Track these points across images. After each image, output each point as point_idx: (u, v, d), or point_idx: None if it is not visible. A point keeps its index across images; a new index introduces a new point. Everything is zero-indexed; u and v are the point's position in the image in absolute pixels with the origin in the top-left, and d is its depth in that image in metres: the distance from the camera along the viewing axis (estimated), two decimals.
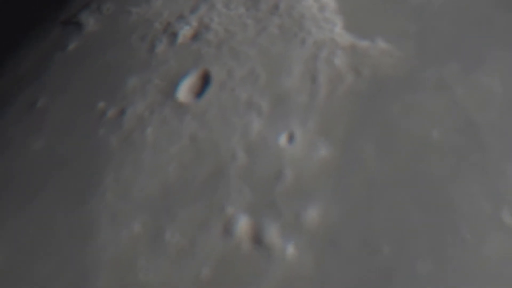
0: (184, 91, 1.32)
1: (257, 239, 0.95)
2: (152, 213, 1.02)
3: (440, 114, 1.16)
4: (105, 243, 0.98)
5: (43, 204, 1.07)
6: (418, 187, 0.99)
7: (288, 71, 1.33)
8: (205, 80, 1.36)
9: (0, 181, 1.15)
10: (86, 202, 1.05)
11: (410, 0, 1.50)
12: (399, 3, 1.49)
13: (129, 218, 1.01)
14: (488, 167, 1.03)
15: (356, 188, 1.00)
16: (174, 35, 1.51)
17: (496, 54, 1.31)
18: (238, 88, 1.29)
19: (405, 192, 0.99)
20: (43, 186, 1.10)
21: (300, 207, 0.99)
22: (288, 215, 0.98)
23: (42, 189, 1.10)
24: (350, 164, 1.05)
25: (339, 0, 1.54)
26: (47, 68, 1.43)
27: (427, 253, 0.89)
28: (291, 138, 1.14)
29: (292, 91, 1.27)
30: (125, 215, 1.02)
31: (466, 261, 0.87)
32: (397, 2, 1.50)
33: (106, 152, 1.14)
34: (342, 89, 1.25)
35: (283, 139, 1.14)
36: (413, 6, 1.49)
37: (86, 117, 1.23)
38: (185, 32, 1.50)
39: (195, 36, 1.49)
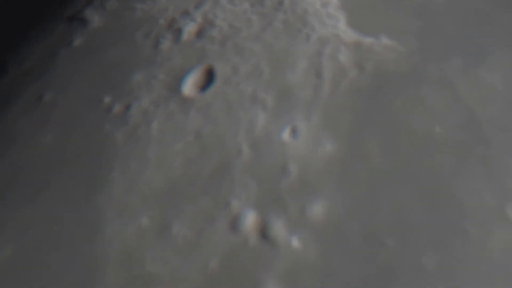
0: (189, 87, 1.33)
1: (263, 232, 0.96)
2: (159, 207, 1.03)
3: (442, 109, 1.17)
4: (113, 236, 0.99)
5: (51, 197, 1.08)
6: (422, 181, 1.00)
7: (292, 67, 1.34)
8: (209, 76, 1.37)
9: (9, 175, 1.16)
10: (94, 195, 1.06)
11: None
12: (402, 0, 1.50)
13: (136, 212, 1.02)
14: (491, 161, 1.04)
15: (360, 183, 1.02)
16: (178, 31, 1.51)
17: (498, 50, 1.32)
18: (243, 83, 1.30)
19: (409, 186, 1.00)
20: (51, 180, 1.11)
21: (305, 201, 1.00)
22: (293, 209, 0.99)
23: (50, 182, 1.11)
24: (354, 159, 1.06)
25: None
26: (53, 63, 1.44)
27: (431, 247, 0.90)
28: (295, 133, 1.15)
29: (296, 86, 1.28)
30: (132, 208, 1.03)
31: (471, 255, 0.88)
32: None
33: (112, 146, 1.16)
34: (346, 84, 1.26)
35: (287, 134, 1.15)
36: (416, 3, 1.50)
37: (93, 112, 1.24)
38: (189, 28, 1.51)
39: (200, 32, 1.50)
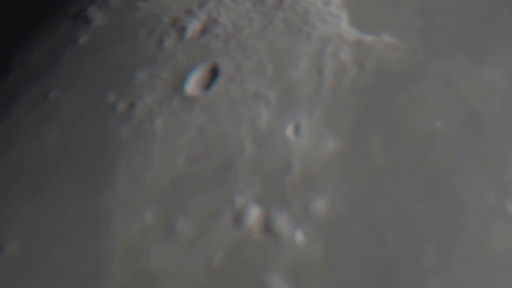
0: (192, 84, 1.35)
1: (267, 227, 0.97)
2: (163, 203, 1.04)
3: (444, 106, 1.18)
4: (118, 232, 1.00)
5: (56, 193, 1.09)
6: (423, 177, 1.01)
7: (295, 65, 1.35)
8: (213, 74, 1.38)
9: (14, 171, 1.17)
10: (99, 191, 1.07)
11: None
12: None
13: (141, 207, 1.03)
14: (492, 157, 1.05)
15: (362, 179, 1.03)
16: (182, 30, 1.53)
17: (499, 48, 1.33)
18: (246, 81, 1.31)
19: (410, 182, 1.01)
20: (56, 176, 1.13)
21: (308, 197, 1.01)
22: (297, 205, 1.00)
23: (55, 178, 1.12)
24: (356, 155, 1.07)
25: None
26: (58, 61, 1.45)
27: (432, 243, 0.92)
28: (298, 130, 1.16)
29: (298, 84, 1.29)
30: (137, 204, 1.04)
31: (471, 250, 0.89)
32: None
33: (117, 143, 1.17)
34: (348, 82, 1.27)
35: (290, 131, 1.16)
36: (417, 1, 1.50)
37: (97, 109, 1.26)
38: (193, 26, 1.52)
39: (204, 30, 1.51)
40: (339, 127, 1.15)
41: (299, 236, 0.95)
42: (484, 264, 0.87)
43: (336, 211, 0.98)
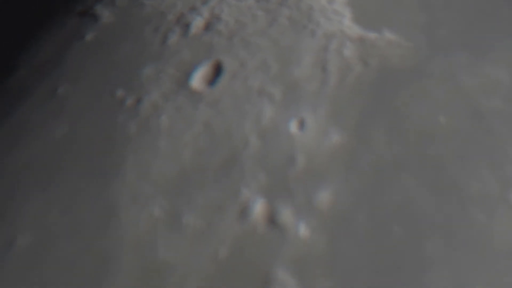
0: (197, 80, 1.36)
1: (272, 220, 0.99)
2: (170, 196, 1.06)
3: (447, 101, 1.19)
4: (126, 224, 1.02)
5: (65, 186, 1.11)
6: (427, 170, 1.03)
7: (299, 62, 1.36)
8: (217, 70, 1.39)
9: (23, 165, 1.19)
10: (107, 185, 1.09)
11: None
12: None
13: (148, 201, 1.05)
14: (495, 151, 1.06)
15: (366, 172, 1.04)
16: (186, 26, 1.54)
17: (502, 45, 1.34)
18: (250, 77, 1.32)
19: (414, 175, 1.02)
20: (65, 169, 1.15)
21: (313, 190, 1.03)
22: (301, 198, 1.02)
23: (64, 172, 1.14)
24: (360, 149, 1.09)
25: None
26: (66, 57, 1.47)
27: (436, 233, 0.93)
28: (302, 125, 1.18)
29: (302, 80, 1.30)
30: (144, 197, 1.06)
31: (475, 240, 0.91)
32: None
33: (124, 137, 1.19)
34: (352, 78, 1.28)
35: (295, 126, 1.18)
36: None
37: (105, 104, 1.28)
38: (197, 23, 1.54)
39: (207, 27, 1.53)
40: (343, 122, 1.17)
41: (303, 229, 0.96)
42: (488, 253, 0.88)
43: (340, 203, 0.99)
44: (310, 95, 1.25)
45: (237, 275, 0.90)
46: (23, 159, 1.21)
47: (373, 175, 1.03)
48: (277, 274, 0.90)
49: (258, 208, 1.01)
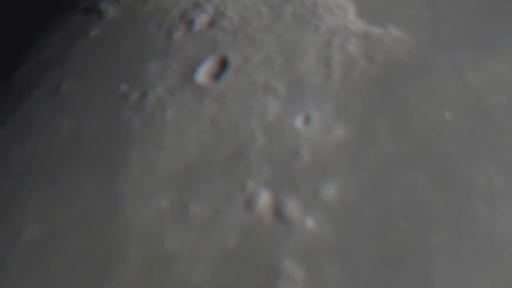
0: (202, 76, 1.37)
1: (278, 212, 0.99)
2: (176, 189, 1.07)
3: (452, 96, 1.19)
4: (132, 217, 1.02)
5: (71, 180, 1.12)
6: (432, 164, 1.03)
7: (303, 57, 1.37)
8: (222, 66, 1.40)
9: (29, 159, 1.20)
10: (112, 178, 1.10)
11: None
12: None
13: (154, 193, 1.06)
14: (500, 146, 1.07)
15: (372, 165, 1.04)
16: (190, 23, 1.55)
17: (506, 41, 1.34)
18: (255, 73, 1.33)
19: (419, 168, 1.03)
20: (71, 163, 1.15)
21: (318, 183, 1.03)
22: (307, 191, 1.02)
23: (69, 165, 1.15)
24: (365, 143, 1.09)
25: None
26: (70, 53, 1.48)
27: (442, 226, 0.93)
28: (307, 120, 1.18)
29: (307, 76, 1.31)
30: (150, 190, 1.07)
31: (480, 233, 0.91)
32: None
33: (129, 132, 1.19)
34: (356, 73, 1.29)
35: (299, 121, 1.18)
36: None
37: (110, 99, 1.28)
38: (201, 20, 1.54)
39: (211, 23, 1.53)
40: (348, 117, 1.17)
41: (310, 222, 0.97)
42: (492, 246, 0.89)
43: (347, 197, 1.00)
44: (315, 90, 1.25)
45: (245, 265, 0.91)
46: (29, 154, 1.22)
47: (379, 170, 1.04)
48: (284, 265, 0.90)
49: (264, 200, 1.01)
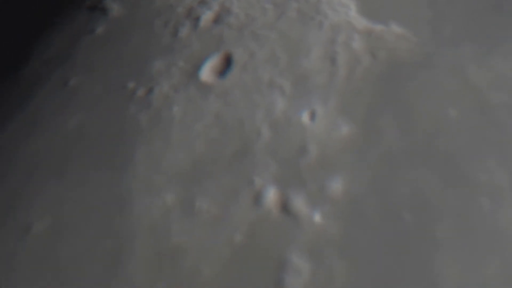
0: (207, 72, 1.38)
1: (285, 208, 1.01)
2: (183, 184, 1.08)
3: (456, 94, 1.20)
4: (140, 212, 1.04)
5: (78, 175, 1.13)
6: (436, 160, 1.04)
7: (307, 54, 1.37)
8: (227, 62, 1.41)
9: (38, 153, 1.21)
10: (120, 173, 1.11)
11: None
12: None
13: (161, 189, 1.07)
14: (503, 142, 1.08)
15: (377, 161, 1.06)
16: (196, 20, 1.56)
17: (508, 39, 1.35)
18: (260, 69, 1.34)
19: (424, 164, 1.04)
20: (79, 158, 1.16)
21: (324, 179, 1.04)
22: (313, 186, 1.03)
23: (77, 161, 1.16)
24: (370, 139, 1.10)
25: None
26: (76, 50, 1.48)
27: (445, 219, 0.95)
28: (313, 116, 1.19)
29: (312, 73, 1.32)
30: (157, 186, 1.08)
31: (483, 226, 0.93)
32: None
33: (136, 128, 1.20)
34: (360, 70, 1.30)
35: (305, 117, 1.19)
36: None
37: (116, 96, 1.29)
38: (207, 16, 1.55)
39: (217, 20, 1.54)
40: (353, 113, 1.18)
41: (317, 215, 0.98)
42: (494, 238, 0.90)
43: (352, 191, 1.01)
44: (320, 87, 1.26)
45: (252, 259, 0.92)
46: (37, 149, 1.23)
47: (383, 165, 1.05)
48: (291, 258, 0.92)
49: (271, 196, 1.03)
